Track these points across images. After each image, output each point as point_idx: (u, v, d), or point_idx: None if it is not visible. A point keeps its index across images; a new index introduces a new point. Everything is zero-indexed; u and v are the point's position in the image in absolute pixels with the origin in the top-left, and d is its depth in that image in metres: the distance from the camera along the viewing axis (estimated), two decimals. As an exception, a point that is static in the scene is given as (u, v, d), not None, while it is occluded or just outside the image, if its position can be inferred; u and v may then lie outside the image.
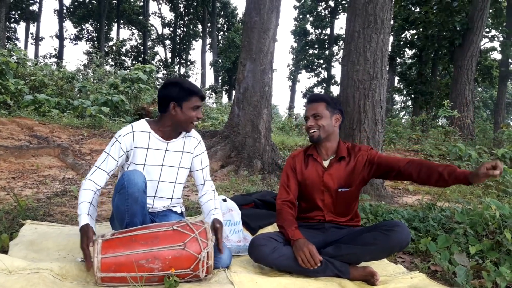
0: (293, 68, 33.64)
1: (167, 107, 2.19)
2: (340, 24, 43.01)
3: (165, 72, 29.19)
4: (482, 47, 14.65)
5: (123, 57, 33.24)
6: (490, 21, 14.12)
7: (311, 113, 2.29)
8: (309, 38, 32.17)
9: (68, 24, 37.00)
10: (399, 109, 30.39)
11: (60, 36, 31.63)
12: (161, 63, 36.33)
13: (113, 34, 35.85)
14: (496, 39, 14.99)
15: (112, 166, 2.15)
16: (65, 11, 32.46)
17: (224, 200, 2.71)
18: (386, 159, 2.27)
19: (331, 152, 2.35)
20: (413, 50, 17.89)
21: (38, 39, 31.85)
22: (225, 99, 29.03)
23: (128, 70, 15.64)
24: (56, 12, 32.84)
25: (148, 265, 1.82)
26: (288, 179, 2.37)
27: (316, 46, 31.89)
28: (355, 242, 2.19)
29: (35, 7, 30.74)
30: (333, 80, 30.91)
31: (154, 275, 1.84)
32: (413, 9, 15.50)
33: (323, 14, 30.66)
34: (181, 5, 36.33)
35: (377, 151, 2.35)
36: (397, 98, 30.90)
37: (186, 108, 2.18)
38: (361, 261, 2.24)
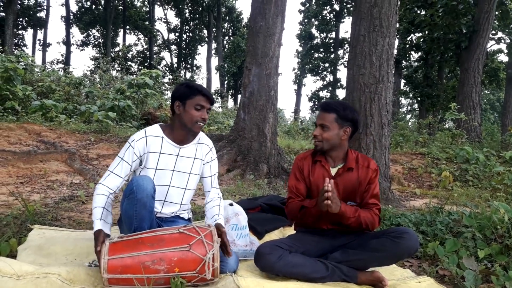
0: (298, 72, 33.63)
1: (173, 108, 2.22)
2: (346, 28, 43.07)
3: (171, 77, 29.31)
4: (488, 49, 14.56)
5: (129, 63, 33.45)
6: (497, 23, 14.05)
7: (319, 123, 2.24)
8: (315, 42, 32.16)
9: (75, 30, 37.46)
10: (405, 112, 30.30)
11: (67, 42, 31.93)
12: (167, 68, 36.51)
13: (119, 39, 36.15)
14: (502, 41, 14.92)
15: (126, 171, 2.17)
16: (72, 17, 32.78)
17: (231, 205, 2.72)
18: (369, 189, 2.26)
19: (339, 160, 2.31)
20: (419, 53, 17.83)
21: (45, 45, 32.19)
22: (230, 103, 29.08)
23: (134, 76, 15.73)
24: (63, 19, 33.19)
25: (154, 267, 1.83)
26: (297, 182, 2.33)
27: (322, 49, 31.85)
28: (363, 248, 2.18)
29: (42, 14, 31.15)
30: (338, 84, 30.86)
31: (160, 277, 1.85)
32: (418, 12, 15.46)
33: (328, 18, 30.65)
34: (187, 11, 36.55)
35: (377, 174, 2.30)
36: (404, 101, 30.82)
37: (189, 107, 2.16)
38: (368, 267, 2.23)
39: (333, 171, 2.30)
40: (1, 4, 23.01)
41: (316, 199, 2.10)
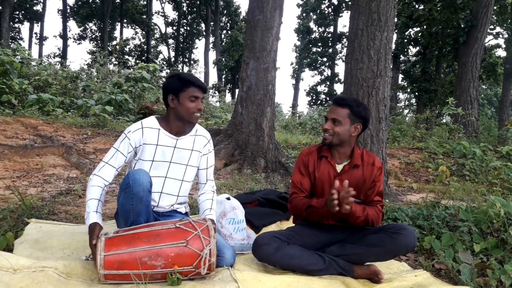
0: (296, 66, 33.58)
1: (167, 101, 2.21)
2: (344, 22, 42.93)
3: (168, 71, 29.27)
4: (486, 44, 14.55)
5: (126, 56, 33.32)
6: (495, 18, 14.03)
7: (332, 117, 2.22)
8: (313, 36, 32.09)
9: (71, 23, 37.13)
10: (403, 107, 30.28)
11: (63, 36, 31.70)
12: (165, 62, 36.37)
13: (117, 33, 35.93)
14: (500, 36, 14.91)
15: (120, 162, 2.16)
16: (68, 10, 32.53)
17: (228, 199, 2.72)
18: (375, 187, 2.27)
19: (345, 156, 2.31)
20: (417, 48, 17.81)
21: (42, 38, 32.00)
22: (228, 97, 29.07)
23: (131, 69, 15.66)
24: (59, 12, 32.95)
25: (151, 262, 1.83)
26: (301, 178, 2.32)
27: (320, 44, 31.79)
28: (360, 243, 2.19)
29: (39, 7, 30.86)
30: (336, 78, 30.81)
31: (157, 273, 1.85)
32: (417, 6, 15.43)
33: (326, 12, 30.58)
34: (184, 4, 36.33)
35: (381, 172, 2.31)
36: (401, 96, 30.79)
37: (183, 99, 2.16)
38: (365, 261, 2.24)
39: (339, 167, 2.29)
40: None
41: (325, 199, 2.08)
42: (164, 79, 17.33)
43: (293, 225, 2.49)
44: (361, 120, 2.24)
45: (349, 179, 2.22)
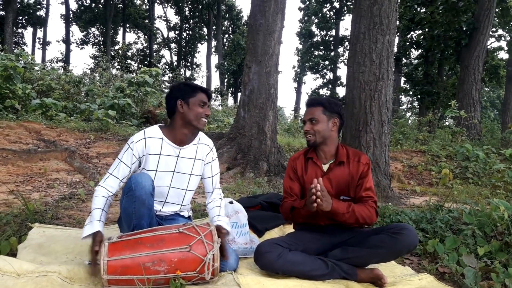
0: (298, 70, 33.63)
1: (175, 107, 2.22)
2: (346, 25, 42.98)
3: (171, 75, 29.31)
4: (488, 47, 14.54)
5: (129, 61, 33.44)
6: (497, 20, 14.02)
7: (308, 118, 2.30)
8: (314, 39, 32.15)
9: (74, 28, 37.37)
10: (405, 109, 30.26)
11: (66, 41, 31.91)
12: (167, 66, 36.49)
13: (119, 38, 36.14)
14: (503, 38, 14.89)
15: (124, 173, 2.17)
16: (71, 15, 32.75)
17: (231, 203, 2.72)
18: (363, 183, 2.28)
19: (330, 155, 2.35)
20: (419, 51, 17.79)
21: (45, 43, 32.19)
22: (230, 101, 29.08)
23: (134, 74, 15.73)
24: (62, 17, 33.17)
25: (154, 268, 1.83)
26: (291, 183, 2.37)
27: (322, 47, 31.84)
28: (362, 245, 2.19)
29: (42, 12, 31.08)
30: (338, 82, 30.83)
31: (160, 278, 1.85)
32: (418, 9, 15.44)
33: (328, 15, 30.65)
34: (186, 9, 36.50)
35: (369, 168, 2.32)
36: (404, 98, 30.78)
37: (192, 104, 2.21)
38: (368, 263, 2.24)
39: (325, 167, 2.34)
40: (0, 2, 22.96)
41: (305, 199, 2.13)
42: (167, 84, 17.38)
43: (294, 230, 2.49)
44: (337, 114, 2.31)
45: (337, 177, 2.28)
